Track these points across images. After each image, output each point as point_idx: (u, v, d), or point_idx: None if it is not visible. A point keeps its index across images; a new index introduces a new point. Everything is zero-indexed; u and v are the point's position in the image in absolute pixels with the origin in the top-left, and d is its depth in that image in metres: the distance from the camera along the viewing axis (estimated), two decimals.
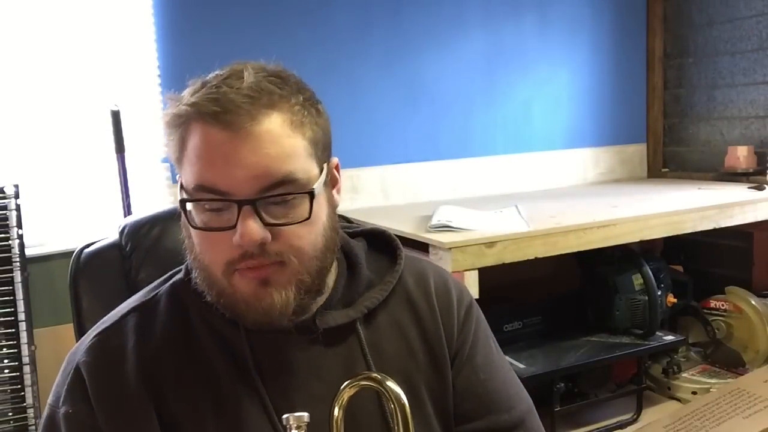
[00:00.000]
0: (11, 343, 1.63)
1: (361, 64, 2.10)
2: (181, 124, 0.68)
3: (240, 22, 1.92)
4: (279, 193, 0.66)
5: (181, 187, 0.69)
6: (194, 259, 0.71)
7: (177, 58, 1.86)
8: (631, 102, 2.55)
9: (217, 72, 0.71)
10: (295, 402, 0.72)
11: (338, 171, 0.77)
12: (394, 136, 2.17)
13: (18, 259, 1.65)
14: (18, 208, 1.67)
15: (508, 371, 0.87)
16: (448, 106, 2.24)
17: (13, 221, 1.65)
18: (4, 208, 1.65)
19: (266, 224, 0.65)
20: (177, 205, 0.76)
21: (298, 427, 0.65)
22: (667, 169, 2.57)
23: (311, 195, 0.67)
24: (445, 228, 1.52)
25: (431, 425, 0.78)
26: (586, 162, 2.49)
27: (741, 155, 2.20)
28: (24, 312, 1.64)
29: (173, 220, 1.01)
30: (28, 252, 1.70)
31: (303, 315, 0.73)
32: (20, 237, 1.66)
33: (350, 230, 0.87)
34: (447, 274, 0.88)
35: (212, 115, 0.65)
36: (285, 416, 0.65)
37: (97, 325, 0.77)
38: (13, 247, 1.65)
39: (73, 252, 0.99)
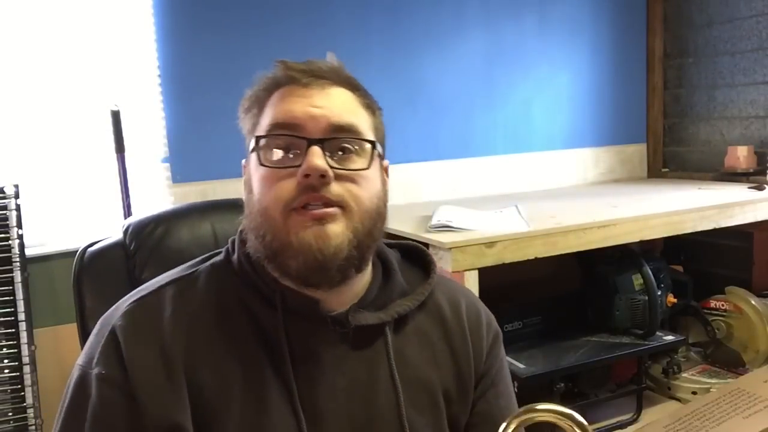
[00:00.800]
0: (11, 343, 1.63)
1: (361, 64, 2.07)
2: (263, 95, 0.76)
3: (240, 23, 1.92)
4: (344, 136, 0.72)
5: (255, 137, 0.74)
6: (252, 210, 0.73)
7: (177, 58, 1.86)
8: (631, 102, 2.56)
9: None
10: (318, 391, 0.74)
11: (387, 174, 0.82)
12: (394, 137, 2.14)
13: (18, 259, 1.65)
14: (18, 208, 1.67)
15: (516, 404, 0.89)
16: (448, 107, 2.24)
17: (13, 221, 1.65)
18: (4, 208, 1.65)
19: (330, 167, 0.70)
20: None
21: None
22: (667, 169, 2.57)
23: (373, 144, 0.75)
24: (445, 228, 1.52)
25: None
26: (586, 162, 2.49)
27: (741, 155, 2.20)
28: (24, 312, 1.64)
29: (177, 219, 1.03)
30: (28, 252, 1.70)
31: (347, 279, 0.74)
32: (20, 237, 1.66)
33: (386, 241, 0.88)
34: (477, 298, 0.90)
35: (297, 72, 0.74)
36: None
37: (134, 292, 0.77)
38: (13, 247, 1.65)
39: (73, 252, 1.00)
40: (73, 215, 1.84)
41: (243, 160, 0.79)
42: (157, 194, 1.90)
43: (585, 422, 0.63)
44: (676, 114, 2.54)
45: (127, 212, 1.74)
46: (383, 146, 0.80)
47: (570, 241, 1.54)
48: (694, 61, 2.44)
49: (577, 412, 0.63)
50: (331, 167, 0.70)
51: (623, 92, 2.53)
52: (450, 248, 1.41)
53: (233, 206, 1.06)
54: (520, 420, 0.64)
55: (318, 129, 0.71)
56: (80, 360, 0.73)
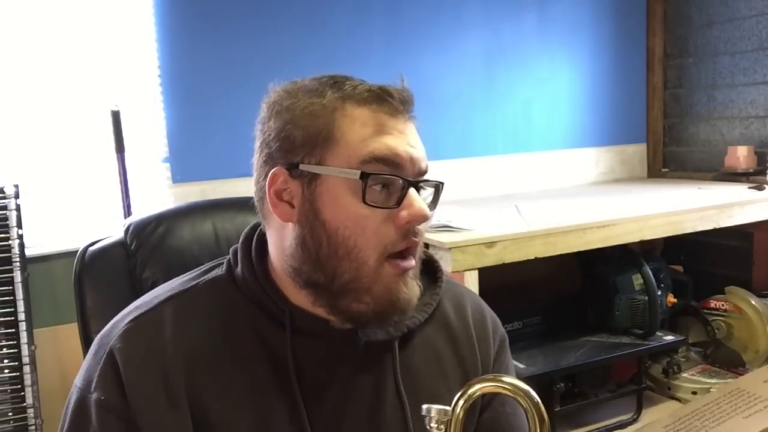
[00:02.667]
0: (11, 343, 1.62)
1: (361, 64, 2.10)
2: (329, 107, 0.70)
3: (240, 23, 1.91)
4: (428, 179, 0.73)
5: (363, 172, 0.68)
6: (322, 245, 0.68)
7: (177, 58, 1.86)
8: (631, 102, 2.55)
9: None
10: (326, 411, 0.72)
11: None
12: None
13: (18, 259, 1.64)
14: (18, 208, 1.67)
15: (521, 411, 0.88)
16: (448, 106, 2.24)
17: (13, 221, 1.65)
18: (4, 208, 1.65)
19: None
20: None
21: (438, 422, 0.63)
22: (667, 169, 2.57)
23: (442, 186, 0.76)
24: (445, 228, 1.52)
25: None
26: (586, 162, 2.49)
27: (741, 155, 2.20)
28: (24, 312, 1.63)
29: (179, 218, 1.02)
30: (28, 252, 1.70)
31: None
32: (20, 237, 1.66)
33: None
34: (482, 302, 0.90)
35: (383, 100, 0.69)
36: (426, 407, 0.64)
37: (130, 308, 0.75)
38: (13, 247, 1.65)
39: (73, 252, 0.99)
40: (73, 215, 1.83)
41: (275, 168, 0.70)
42: (157, 194, 1.90)
43: (539, 401, 0.66)
44: (676, 114, 2.53)
45: (127, 212, 1.74)
46: None
47: (570, 241, 1.54)
48: (694, 61, 2.44)
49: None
50: None
51: (623, 92, 2.53)
52: (450, 248, 1.41)
53: (235, 205, 1.06)
54: (482, 387, 0.66)
55: (413, 171, 0.71)
56: (78, 381, 0.71)
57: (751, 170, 2.19)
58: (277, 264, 0.74)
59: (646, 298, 1.73)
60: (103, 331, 0.73)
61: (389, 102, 0.69)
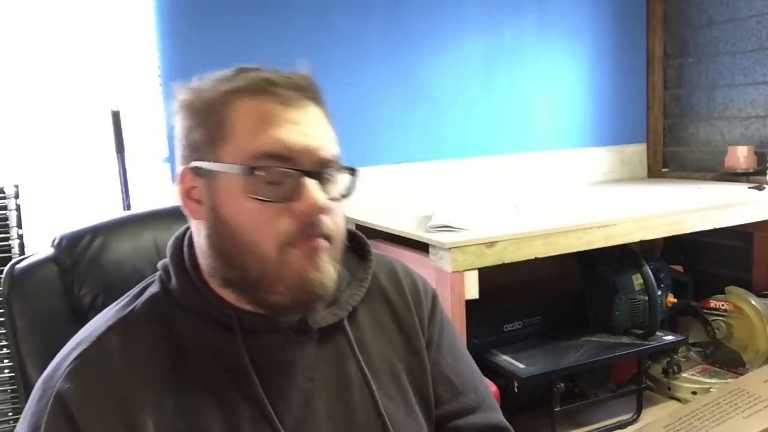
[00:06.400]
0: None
1: (361, 64, 2.10)
2: (222, 101, 0.69)
3: (240, 23, 1.92)
4: (332, 168, 0.70)
5: (243, 166, 0.67)
6: (225, 241, 0.68)
7: (177, 58, 1.86)
8: (631, 102, 2.55)
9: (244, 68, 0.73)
10: (293, 402, 0.72)
11: None
12: (394, 136, 2.17)
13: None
14: (18, 208, 1.66)
15: (466, 354, 0.91)
16: (448, 106, 2.24)
17: (13, 221, 1.65)
18: (4, 208, 1.65)
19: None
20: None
21: None
22: (667, 169, 2.57)
23: (353, 172, 0.73)
24: (445, 228, 1.52)
25: (415, 411, 0.80)
26: (586, 162, 2.49)
27: (741, 155, 2.20)
28: None
29: (115, 230, 0.97)
30: (28, 252, 1.70)
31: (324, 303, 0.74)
32: (20, 237, 1.65)
33: None
34: (407, 266, 0.91)
35: (270, 85, 0.68)
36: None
37: (70, 346, 0.71)
38: (13, 247, 1.64)
39: None
40: (73, 215, 1.83)
41: (182, 168, 0.72)
42: (157, 194, 1.90)
43: None
44: (676, 114, 2.53)
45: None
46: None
47: (570, 241, 1.54)
48: (694, 61, 2.44)
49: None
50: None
51: (623, 92, 2.53)
52: (450, 248, 1.41)
53: (173, 214, 0.98)
54: None
55: (311, 161, 0.68)
56: (21, 430, 0.67)
57: (751, 170, 2.19)
58: (203, 265, 0.73)
59: (646, 298, 1.73)
60: (45, 375, 0.69)
61: (275, 92, 0.68)
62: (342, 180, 0.72)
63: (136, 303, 0.74)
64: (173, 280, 0.73)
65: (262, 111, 0.68)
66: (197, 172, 0.71)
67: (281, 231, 0.67)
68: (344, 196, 0.72)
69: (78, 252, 0.92)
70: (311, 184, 0.67)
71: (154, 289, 0.75)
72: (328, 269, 0.69)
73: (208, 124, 0.70)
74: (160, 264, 0.76)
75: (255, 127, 0.67)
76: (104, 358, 0.68)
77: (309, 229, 0.67)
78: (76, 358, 0.68)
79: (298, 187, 0.67)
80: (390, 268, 0.88)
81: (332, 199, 0.70)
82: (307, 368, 0.74)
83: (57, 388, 0.66)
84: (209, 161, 0.69)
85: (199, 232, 0.72)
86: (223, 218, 0.69)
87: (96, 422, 0.64)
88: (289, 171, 0.67)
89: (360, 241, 0.86)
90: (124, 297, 0.77)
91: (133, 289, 0.77)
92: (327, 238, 0.69)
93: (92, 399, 0.65)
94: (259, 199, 0.67)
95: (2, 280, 0.91)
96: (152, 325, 0.71)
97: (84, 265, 0.91)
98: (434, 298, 0.89)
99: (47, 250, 0.95)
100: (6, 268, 0.92)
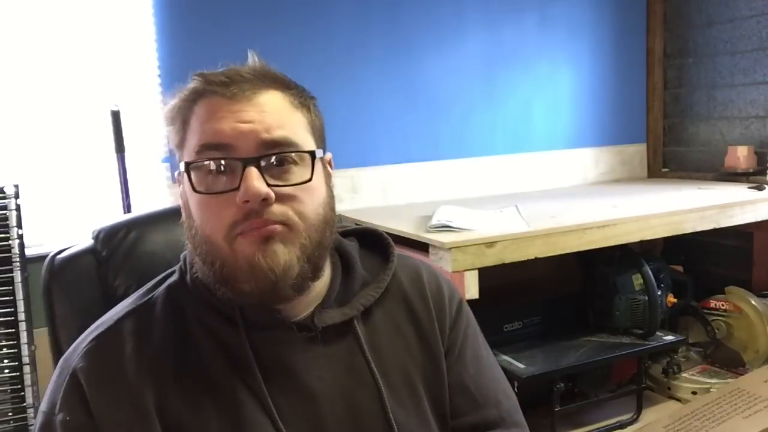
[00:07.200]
0: (11, 343, 1.62)
1: (361, 64, 2.10)
2: (185, 107, 0.72)
3: (240, 23, 1.92)
4: (279, 151, 0.69)
5: (184, 163, 0.71)
6: (195, 236, 0.71)
7: (177, 58, 1.86)
8: (631, 102, 2.55)
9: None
10: (295, 400, 0.72)
11: (331, 166, 0.79)
12: (394, 136, 2.17)
13: (18, 259, 1.64)
14: (18, 208, 1.66)
15: (494, 367, 0.88)
16: (448, 106, 2.24)
17: (13, 221, 1.65)
18: (4, 208, 1.65)
19: (269, 185, 0.67)
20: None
21: None
22: (667, 169, 2.57)
23: (312, 155, 0.71)
24: (445, 228, 1.52)
25: (428, 420, 0.79)
26: (586, 162, 2.49)
27: (741, 155, 2.20)
28: (24, 312, 1.63)
29: (150, 224, 1.00)
30: (28, 252, 1.70)
31: (303, 292, 0.73)
32: (20, 237, 1.65)
33: (342, 230, 0.87)
34: (437, 271, 0.89)
35: (219, 85, 0.69)
36: None
37: (91, 328, 0.75)
38: (13, 247, 1.64)
39: None
40: (73, 215, 1.83)
41: (176, 172, 0.76)
42: (157, 194, 1.90)
43: None
44: (676, 114, 2.53)
45: (127, 212, 1.74)
46: (323, 140, 0.77)
47: (570, 241, 1.54)
48: (694, 61, 2.44)
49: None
50: (272, 186, 0.67)
51: (623, 92, 2.53)
52: (450, 248, 1.41)
53: None
54: None
55: (250, 147, 0.68)
56: (43, 406, 0.71)
57: (751, 170, 2.19)
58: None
59: (646, 298, 1.73)
60: (65, 354, 0.74)
61: (223, 90, 0.69)
62: (309, 163, 0.71)
63: (156, 291, 0.77)
64: (188, 270, 0.76)
65: (209, 109, 0.70)
66: (179, 175, 0.75)
67: (227, 221, 0.68)
68: (306, 181, 0.70)
69: (114, 244, 0.97)
70: (251, 172, 0.67)
71: (173, 278, 0.78)
72: (281, 255, 0.68)
73: (176, 131, 0.74)
74: (182, 255, 0.79)
75: (200, 125, 0.70)
76: (118, 340, 0.72)
77: (253, 217, 0.67)
78: (93, 339, 0.72)
79: (240, 175, 0.67)
80: (415, 271, 0.86)
81: (287, 185, 0.69)
82: (314, 367, 0.74)
83: (73, 366, 0.70)
84: (178, 163, 0.74)
85: (185, 230, 0.75)
86: (190, 216, 0.72)
87: (105, 399, 0.68)
88: (226, 160, 0.68)
89: (384, 242, 0.85)
90: (148, 284, 0.80)
91: (157, 278, 0.81)
92: (283, 224, 0.68)
93: (102, 377, 0.69)
94: (202, 192, 0.69)
95: (43, 270, 0.95)
96: (167, 312, 0.74)
97: (119, 256, 0.96)
98: (459, 305, 0.87)
99: (87, 242, 0.99)
100: (47, 258, 0.96)
